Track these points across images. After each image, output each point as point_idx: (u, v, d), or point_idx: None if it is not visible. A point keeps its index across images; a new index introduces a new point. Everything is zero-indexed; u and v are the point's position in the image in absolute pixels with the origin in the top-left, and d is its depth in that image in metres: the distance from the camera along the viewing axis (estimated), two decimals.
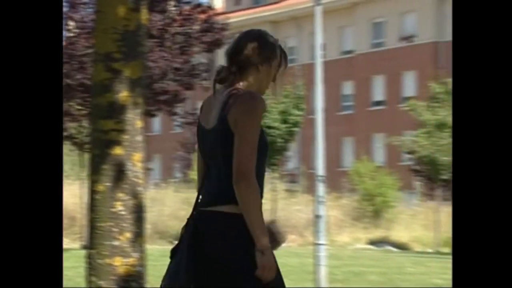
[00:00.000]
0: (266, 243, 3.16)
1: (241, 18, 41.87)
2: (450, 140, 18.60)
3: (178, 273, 3.30)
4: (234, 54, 3.32)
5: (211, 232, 3.23)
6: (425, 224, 27.66)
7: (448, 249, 25.23)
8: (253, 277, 3.16)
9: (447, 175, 24.25)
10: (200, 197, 3.35)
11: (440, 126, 18.60)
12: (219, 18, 18.19)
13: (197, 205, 3.35)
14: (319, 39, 9.68)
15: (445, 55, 39.26)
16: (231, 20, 19.48)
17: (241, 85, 3.30)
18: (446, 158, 20.59)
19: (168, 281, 3.34)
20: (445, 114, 18.24)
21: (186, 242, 3.29)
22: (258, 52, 3.31)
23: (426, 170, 25.10)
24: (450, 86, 18.34)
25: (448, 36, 39.83)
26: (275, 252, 3.26)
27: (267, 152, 3.35)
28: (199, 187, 3.40)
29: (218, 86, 3.39)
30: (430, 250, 25.78)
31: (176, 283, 3.29)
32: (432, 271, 12.98)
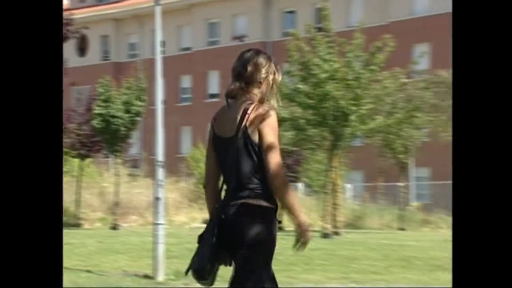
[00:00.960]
0: (308, 222, 3.64)
1: (86, 15, 40.83)
2: (284, 133, 19.04)
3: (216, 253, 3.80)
4: (241, 73, 3.76)
5: (243, 218, 3.68)
6: None
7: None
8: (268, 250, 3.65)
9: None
10: (225, 193, 3.84)
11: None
12: (64, 14, 17.67)
13: (222, 199, 3.90)
14: (158, 36, 9.64)
15: (271, 54, 40.09)
16: (76, 16, 18.99)
17: (248, 97, 3.68)
18: (283, 146, 21.16)
19: (204, 261, 3.79)
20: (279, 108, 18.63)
21: (227, 228, 3.79)
22: (259, 69, 3.76)
23: None
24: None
25: (274, 36, 40.76)
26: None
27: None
28: (206, 183, 4.02)
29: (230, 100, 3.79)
30: None
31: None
32: None
